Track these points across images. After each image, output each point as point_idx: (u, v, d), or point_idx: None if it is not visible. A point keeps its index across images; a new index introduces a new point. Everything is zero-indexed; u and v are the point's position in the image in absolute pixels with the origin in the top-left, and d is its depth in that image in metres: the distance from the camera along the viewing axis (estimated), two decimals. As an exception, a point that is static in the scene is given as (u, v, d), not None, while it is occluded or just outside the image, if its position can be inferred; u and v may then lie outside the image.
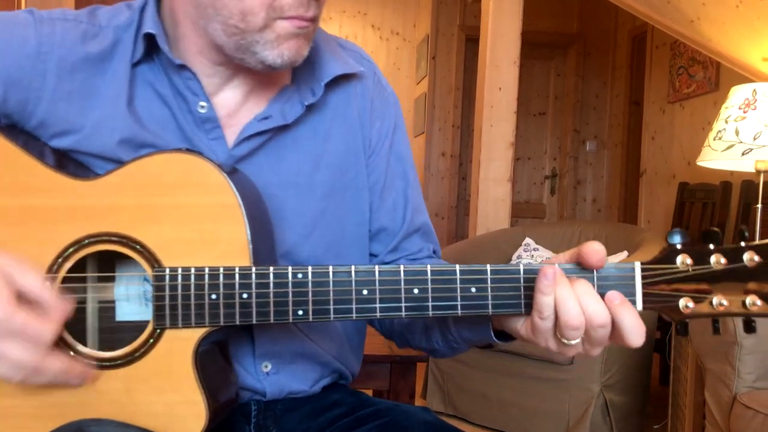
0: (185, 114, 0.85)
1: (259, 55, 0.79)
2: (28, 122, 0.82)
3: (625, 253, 2.89)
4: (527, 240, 3.20)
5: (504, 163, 3.46)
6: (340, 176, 0.92)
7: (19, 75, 0.81)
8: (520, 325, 0.76)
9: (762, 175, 2.34)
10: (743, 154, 2.31)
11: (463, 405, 2.89)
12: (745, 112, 2.35)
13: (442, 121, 5.59)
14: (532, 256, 3.12)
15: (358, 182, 0.94)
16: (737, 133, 2.34)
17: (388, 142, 0.97)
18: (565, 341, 0.71)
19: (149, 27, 0.82)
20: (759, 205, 2.37)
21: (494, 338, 0.81)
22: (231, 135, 0.86)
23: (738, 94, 2.42)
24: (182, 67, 0.83)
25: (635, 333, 0.70)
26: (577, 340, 0.71)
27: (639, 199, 4.37)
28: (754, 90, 2.37)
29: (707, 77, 3.53)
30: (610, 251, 3.02)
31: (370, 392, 1.80)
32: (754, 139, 2.30)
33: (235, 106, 0.88)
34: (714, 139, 2.42)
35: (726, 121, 2.40)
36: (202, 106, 0.84)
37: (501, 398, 2.75)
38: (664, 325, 3.00)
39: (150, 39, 0.83)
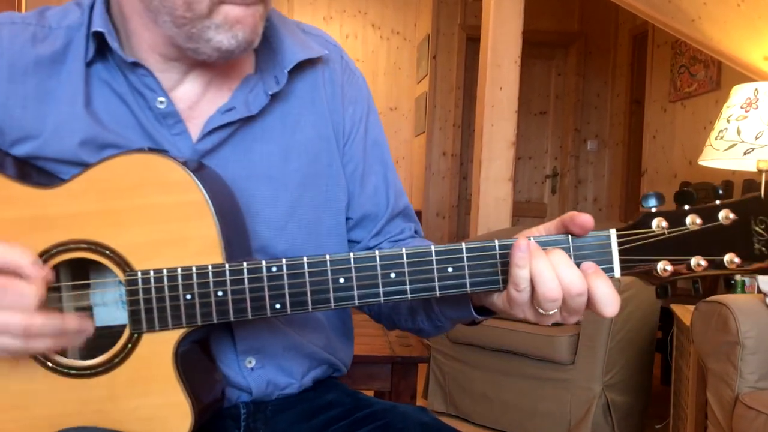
0: (145, 111, 0.83)
1: (212, 42, 0.77)
2: None
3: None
4: (528, 240, 3.20)
5: (505, 162, 3.45)
6: (313, 165, 0.90)
7: None
8: (496, 298, 0.75)
9: (764, 175, 2.33)
10: (745, 153, 2.30)
11: (465, 405, 2.89)
12: (746, 111, 2.35)
13: (443, 121, 5.58)
14: (534, 255, 3.12)
15: (332, 170, 0.92)
16: (739, 132, 2.34)
17: (363, 127, 0.96)
18: (543, 312, 0.70)
19: (98, 25, 0.80)
20: (761, 205, 2.36)
21: (475, 314, 0.81)
22: (194, 128, 0.84)
23: (740, 93, 2.42)
24: (136, 65, 0.81)
25: (609, 302, 0.69)
26: (555, 310, 0.70)
27: (640, 198, 4.36)
28: (756, 89, 2.36)
29: (708, 76, 3.52)
30: (612, 251, 3.02)
31: (371, 393, 1.80)
32: (756, 138, 2.29)
33: (195, 98, 0.85)
34: (715, 139, 2.41)
35: (728, 121, 2.39)
36: (161, 102, 0.82)
37: (502, 398, 2.75)
38: (666, 324, 2.99)
39: (100, 38, 0.81)
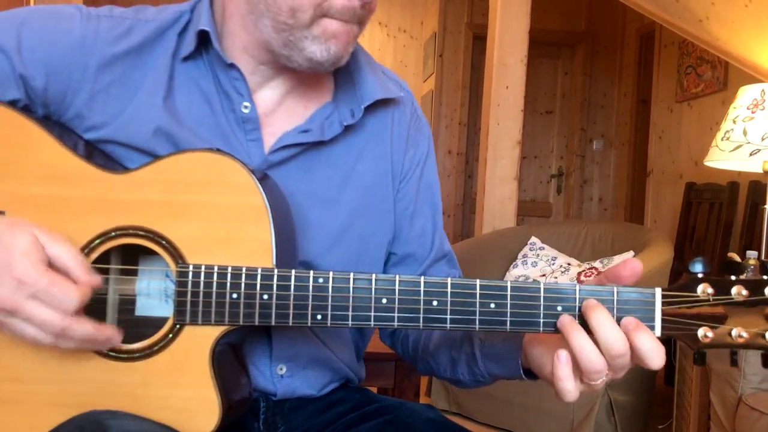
0: (227, 112, 0.86)
1: (306, 51, 0.81)
2: (65, 113, 0.84)
3: (631, 253, 2.89)
4: (533, 239, 3.20)
5: (510, 161, 3.45)
6: (367, 197, 0.93)
7: (61, 65, 0.83)
8: (547, 371, 0.76)
9: (770, 176, 2.34)
10: (751, 154, 2.30)
11: (468, 404, 2.89)
12: (753, 112, 2.35)
13: (449, 119, 5.59)
14: (538, 255, 3.12)
15: (383, 205, 0.95)
16: (745, 133, 2.33)
17: (420, 170, 0.99)
18: (590, 382, 0.71)
19: (204, 24, 0.84)
20: (767, 206, 2.36)
21: (523, 375, 0.82)
22: (267, 137, 0.87)
23: (746, 94, 2.41)
24: (231, 66, 0.84)
25: (654, 356, 0.69)
26: (602, 380, 0.71)
27: (646, 198, 4.35)
28: (763, 90, 2.36)
29: (715, 77, 3.51)
30: (616, 251, 3.02)
31: (374, 390, 1.81)
32: (762, 139, 2.29)
33: (272, 106, 0.89)
34: (722, 140, 2.41)
35: (734, 122, 2.39)
36: (246, 106, 0.86)
37: (506, 397, 2.75)
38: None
39: (203, 36, 0.84)
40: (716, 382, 1.90)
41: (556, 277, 2.95)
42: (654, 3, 2.86)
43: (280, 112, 0.89)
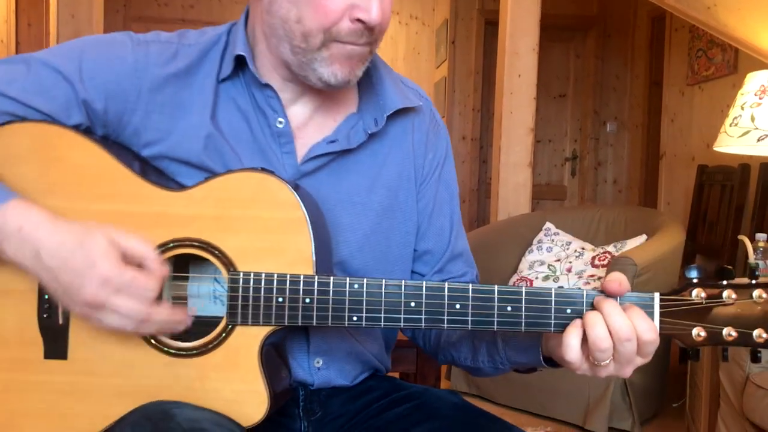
0: (263, 128, 0.95)
1: (317, 72, 0.90)
2: (123, 132, 0.93)
3: (644, 237, 2.95)
4: (548, 225, 3.27)
5: (524, 148, 3.52)
6: (392, 199, 1.01)
7: (117, 90, 0.92)
8: (560, 351, 0.83)
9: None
10: (758, 140, 2.35)
11: (487, 386, 2.98)
12: (760, 98, 2.40)
13: (462, 105, 5.64)
14: (553, 240, 3.19)
15: (407, 206, 1.03)
16: (753, 119, 2.39)
17: (439, 171, 1.07)
18: (596, 362, 0.80)
19: (240, 49, 0.93)
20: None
21: (543, 362, 0.90)
22: (300, 149, 0.96)
23: (754, 80, 2.46)
24: (266, 86, 0.93)
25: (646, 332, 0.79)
26: (608, 361, 0.80)
27: (659, 181, 4.40)
28: (770, 76, 2.41)
29: (726, 60, 3.55)
30: (629, 235, 3.08)
31: (397, 375, 1.91)
32: (770, 125, 2.34)
33: (304, 120, 0.98)
34: (730, 126, 2.47)
35: (742, 108, 2.44)
36: (280, 122, 0.94)
37: (523, 379, 2.82)
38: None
39: (239, 59, 0.93)
40: (725, 363, 1.98)
41: (570, 262, 3.03)
42: (663, -10, 2.90)
43: (311, 125, 0.98)
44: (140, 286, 0.78)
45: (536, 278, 3.03)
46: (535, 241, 3.23)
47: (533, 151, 3.55)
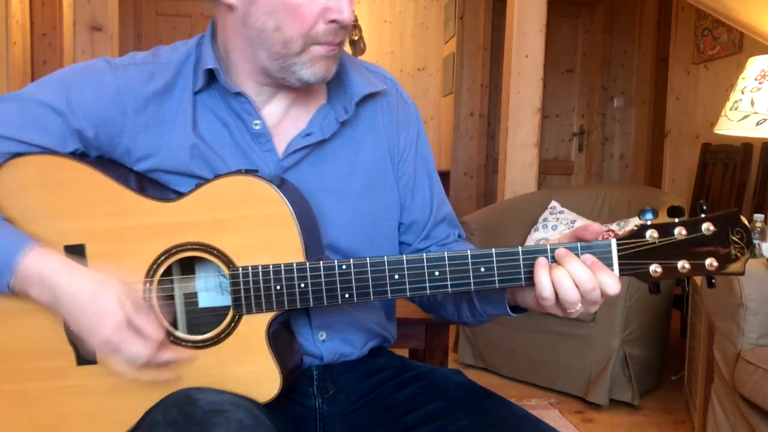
0: (242, 131, 1.03)
1: (297, 74, 0.98)
2: (114, 152, 1.02)
3: (646, 216, 3.03)
4: (553, 203, 3.35)
5: (531, 128, 3.58)
6: (372, 180, 1.10)
7: (104, 115, 1.00)
8: (530, 300, 0.95)
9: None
10: (758, 124, 2.42)
11: (492, 359, 3.10)
12: (760, 83, 2.46)
13: (471, 81, 5.67)
14: (558, 218, 3.27)
15: (386, 184, 1.12)
16: (753, 103, 2.45)
17: (414, 147, 1.15)
18: (568, 309, 0.90)
19: (210, 63, 1.01)
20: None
21: (509, 312, 1.01)
22: (279, 145, 1.05)
23: (755, 65, 2.52)
24: (238, 94, 1.01)
25: (610, 284, 0.88)
26: (578, 306, 0.90)
27: (664, 158, 4.45)
28: (770, 61, 2.47)
29: (731, 40, 3.59)
30: (633, 213, 3.17)
31: (407, 351, 2.01)
32: (769, 109, 2.41)
33: (279, 118, 1.06)
34: (730, 109, 2.53)
35: (742, 92, 2.51)
36: (256, 124, 1.03)
37: (528, 353, 2.95)
38: (682, 281, 3.15)
39: (210, 72, 1.01)
40: (719, 339, 2.07)
41: (574, 240, 3.12)
42: (668, -26, 2.93)
43: (285, 122, 1.06)
44: (132, 353, 0.90)
45: (541, 256, 3.12)
46: (540, 219, 3.32)
47: (540, 131, 3.62)
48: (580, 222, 3.20)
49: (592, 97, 5.83)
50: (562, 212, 3.30)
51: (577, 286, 0.88)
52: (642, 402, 2.79)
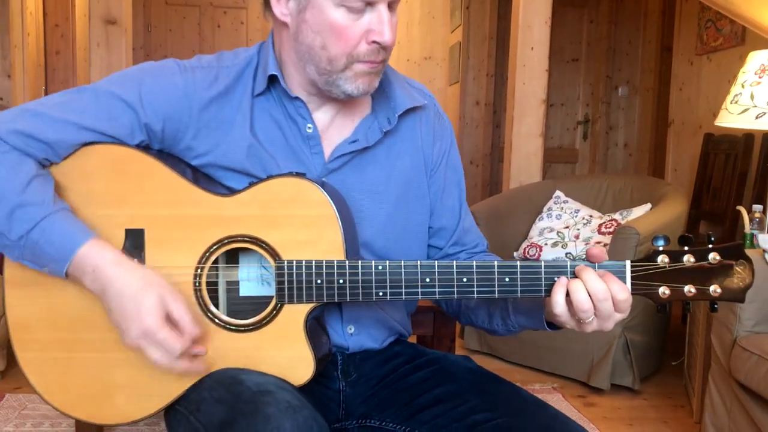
0: (295, 134, 1.12)
1: (341, 88, 1.07)
2: (176, 146, 1.11)
3: (648, 205, 3.10)
4: (557, 193, 3.43)
5: (536, 119, 3.65)
6: (406, 186, 1.19)
7: (171, 112, 1.09)
8: (560, 317, 1.01)
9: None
10: (757, 117, 2.48)
11: (497, 344, 3.18)
12: (760, 77, 2.51)
13: (476, 70, 5.71)
14: (562, 208, 3.35)
15: (419, 192, 1.20)
16: (752, 97, 2.51)
17: (446, 157, 1.24)
18: (582, 321, 0.98)
19: (272, 69, 1.10)
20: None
21: (546, 326, 1.08)
22: (326, 148, 1.13)
23: (755, 59, 2.57)
24: (296, 98, 1.10)
25: (619, 292, 0.96)
26: (591, 318, 0.98)
27: (667, 148, 4.51)
28: (770, 56, 2.52)
29: (734, 32, 3.64)
30: (635, 203, 3.24)
31: (415, 338, 2.10)
32: (768, 103, 2.47)
33: (326, 124, 1.15)
34: (731, 103, 2.59)
35: (742, 86, 2.57)
36: (309, 127, 1.12)
37: (532, 338, 3.03)
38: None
39: (271, 77, 1.10)
40: (716, 326, 2.15)
41: (578, 229, 3.19)
42: (671, -32, 2.98)
43: (333, 128, 1.15)
44: (169, 345, 0.97)
45: (545, 244, 3.20)
46: (545, 209, 3.39)
47: (545, 121, 3.69)
48: (584, 212, 3.28)
49: (596, 86, 5.88)
50: (566, 202, 3.38)
51: (590, 296, 0.96)
52: (642, 386, 2.88)
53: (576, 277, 0.98)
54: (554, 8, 3.61)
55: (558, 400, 2.73)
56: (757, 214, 2.49)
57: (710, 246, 0.98)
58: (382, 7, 1.03)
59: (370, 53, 1.05)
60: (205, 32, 6.08)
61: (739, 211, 2.53)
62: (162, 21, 6.03)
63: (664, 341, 3.12)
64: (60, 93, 1.10)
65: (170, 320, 0.98)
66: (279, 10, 1.07)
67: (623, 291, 0.97)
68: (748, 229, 2.49)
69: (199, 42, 6.08)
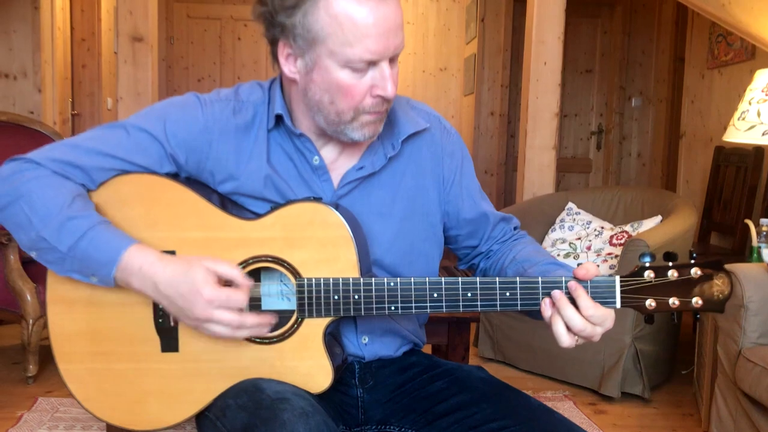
0: (304, 165, 1.22)
1: (348, 135, 1.17)
2: (201, 174, 1.21)
3: (659, 218, 3.17)
4: (570, 204, 3.50)
5: (549, 131, 3.73)
6: (411, 206, 1.27)
7: (194, 144, 1.19)
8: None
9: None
10: (763, 134, 2.55)
11: (511, 353, 3.25)
12: (767, 95, 2.59)
13: (491, 81, 5.81)
14: (574, 219, 3.42)
15: (425, 210, 1.29)
16: (759, 114, 2.58)
17: (459, 172, 1.33)
18: (577, 339, 1.09)
19: (279, 109, 1.20)
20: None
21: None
22: (335, 178, 1.23)
23: (762, 77, 2.65)
24: (301, 135, 1.20)
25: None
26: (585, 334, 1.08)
27: (678, 160, 4.57)
28: (777, 74, 2.59)
29: (744, 46, 3.70)
30: (646, 215, 3.31)
31: (430, 347, 2.18)
32: (774, 120, 2.54)
33: (334, 157, 1.24)
34: (738, 119, 2.67)
35: (750, 103, 2.64)
36: (316, 159, 1.21)
37: (544, 347, 3.10)
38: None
39: (279, 116, 1.20)
40: (722, 337, 2.21)
41: (590, 240, 3.27)
42: (681, -13, 3.06)
43: (341, 159, 1.24)
44: (234, 299, 1.04)
45: (558, 255, 3.27)
46: (557, 220, 3.47)
47: (558, 134, 3.77)
48: (596, 223, 3.35)
49: (610, 96, 5.95)
50: (579, 213, 3.45)
51: (587, 321, 1.08)
52: (652, 395, 2.94)
53: (569, 292, 1.08)
54: (568, 20, 3.69)
55: (569, 408, 2.80)
56: (765, 228, 2.56)
57: (692, 261, 1.07)
58: (384, 65, 1.11)
59: (375, 105, 1.14)
60: (226, 45, 6.23)
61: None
62: (184, 34, 6.18)
63: (675, 350, 3.18)
64: (91, 129, 1.20)
65: (222, 282, 1.06)
66: (288, 68, 1.16)
67: (609, 318, 1.09)
68: (755, 242, 2.56)
69: (220, 54, 6.23)
